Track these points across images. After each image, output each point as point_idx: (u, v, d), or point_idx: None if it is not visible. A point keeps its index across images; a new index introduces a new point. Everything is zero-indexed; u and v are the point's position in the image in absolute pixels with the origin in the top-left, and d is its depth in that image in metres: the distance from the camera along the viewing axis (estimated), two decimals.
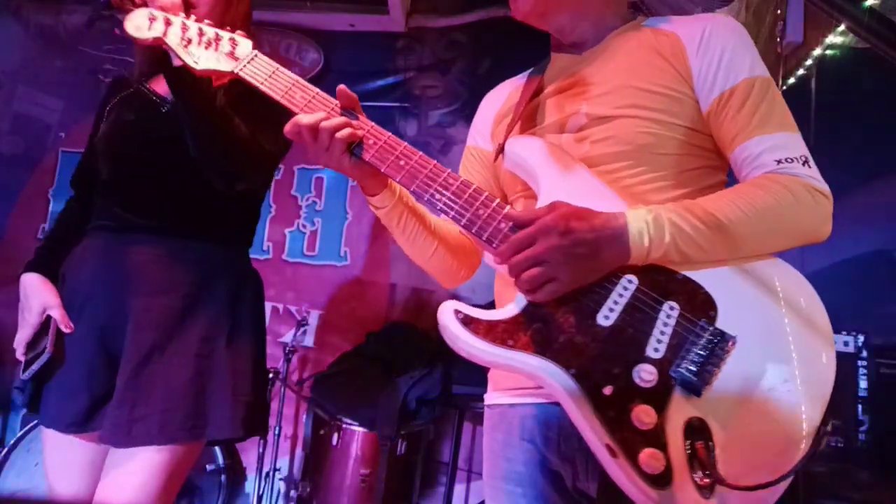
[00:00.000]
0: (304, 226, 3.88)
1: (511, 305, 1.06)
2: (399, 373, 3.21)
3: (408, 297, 3.74)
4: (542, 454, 1.16)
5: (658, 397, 0.99)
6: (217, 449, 3.11)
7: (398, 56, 3.92)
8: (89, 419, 1.52)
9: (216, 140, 1.52)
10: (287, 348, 3.30)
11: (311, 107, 1.18)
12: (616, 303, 1.04)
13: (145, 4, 1.34)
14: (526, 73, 1.40)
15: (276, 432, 3.17)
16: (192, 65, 1.24)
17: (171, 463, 1.50)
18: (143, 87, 1.69)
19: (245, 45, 1.24)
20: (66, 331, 1.55)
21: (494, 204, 1.10)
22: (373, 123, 1.20)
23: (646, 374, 0.99)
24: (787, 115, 1.14)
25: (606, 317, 1.03)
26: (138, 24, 1.26)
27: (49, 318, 1.57)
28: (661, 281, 1.05)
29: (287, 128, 1.16)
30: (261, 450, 3.13)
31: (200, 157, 1.53)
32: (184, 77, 1.43)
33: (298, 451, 3.50)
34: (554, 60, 1.32)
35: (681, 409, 0.98)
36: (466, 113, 3.78)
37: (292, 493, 3.20)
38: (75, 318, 1.57)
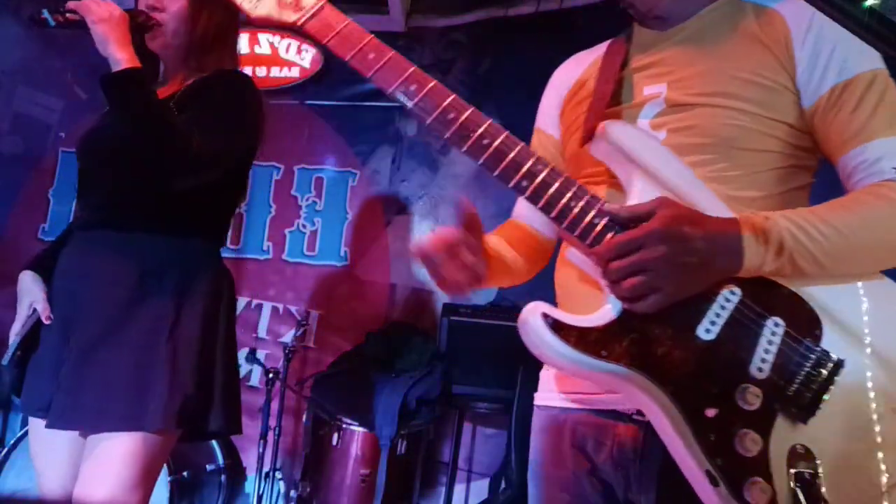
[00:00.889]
0: (304, 226, 3.88)
1: (604, 311, 0.96)
2: (399, 373, 3.21)
3: (408, 297, 3.74)
4: (592, 462, 1.09)
5: (762, 421, 0.90)
6: (217, 449, 3.11)
7: None
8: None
9: (157, 148, 1.56)
10: (287, 348, 3.30)
11: (382, 72, 1.06)
12: (718, 315, 0.94)
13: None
14: (602, 45, 1.25)
15: (277, 432, 3.17)
16: (249, 10, 1.14)
17: (141, 452, 1.53)
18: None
19: None
20: (46, 322, 1.63)
21: (588, 196, 0.99)
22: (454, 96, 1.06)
23: (751, 397, 0.90)
24: None
25: (707, 330, 0.93)
26: None
27: (35, 311, 1.65)
28: (765, 294, 0.95)
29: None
30: (261, 450, 3.13)
31: (148, 161, 1.60)
32: (116, 82, 1.55)
33: (298, 451, 3.50)
34: (637, 33, 1.19)
35: (785, 436, 0.90)
36: None
37: (292, 493, 3.20)
38: (51, 313, 1.65)
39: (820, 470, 0.89)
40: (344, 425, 2.98)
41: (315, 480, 3.03)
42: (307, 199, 3.90)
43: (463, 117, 1.02)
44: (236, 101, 1.69)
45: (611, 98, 1.13)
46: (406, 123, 3.88)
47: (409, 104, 1.05)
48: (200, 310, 1.65)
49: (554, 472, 1.14)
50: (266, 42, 3.91)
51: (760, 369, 0.92)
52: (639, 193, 0.99)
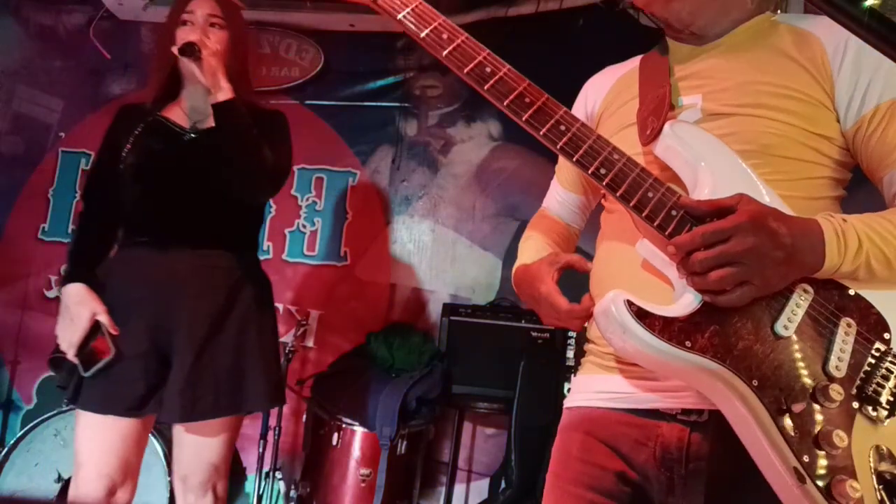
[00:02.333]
0: (304, 226, 3.88)
1: (684, 302, 0.95)
2: (399, 373, 3.21)
3: (408, 297, 3.74)
4: (628, 462, 1.07)
5: (844, 420, 0.90)
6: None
7: (398, 56, 3.92)
8: (143, 405, 1.84)
9: (249, 164, 1.84)
10: (287, 348, 3.29)
11: (455, 54, 1.06)
12: (794, 313, 0.94)
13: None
14: (634, 60, 1.29)
15: (277, 432, 3.17)
16: None
17: (226, 431, 1.92)
18: (159, 117, 1.95)
19: None
20: (114, 333, 1.84)
21: (664, 188, 1.00)
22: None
23: (834, 394, 0.90)
24: None
25: (786, 326, 0.94)
26: None
27: (97, 322, 1.84)
28: (835, 295, 0.97)
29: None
30: (261, 450, 3.13)
31: (235, 178, 1.87)
32: (230, 109, 1.79)
33: (298, 452, 3.50)
34: (672, 47, 1.22)
35: (866, 435, 0.90)
36: (466, 113, 3.78)
37: (292, 493, 3.20)
38: (121, 321, 1.86)
39: None
40: (344, 425, 2.98)
41: (315, 480, 3.03)
42: (307, 199, 3.90)
43: (539, 103, 1.05)
44: (287, 130, 2.04)
45: (658, 108, 1.13)
46: (406, 123, 3.88)
47: (484, 87, 1.06)
48: (270, 311, 2.04)
49: (581, 468, 1.12)
50: (266, 42, 3.92)
51: (838, 367, 0.92)
52: (706, 191, 0.99)
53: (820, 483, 0.87)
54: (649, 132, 1.10)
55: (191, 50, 1.78)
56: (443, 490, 3.43)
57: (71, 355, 1.84)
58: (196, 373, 1.83)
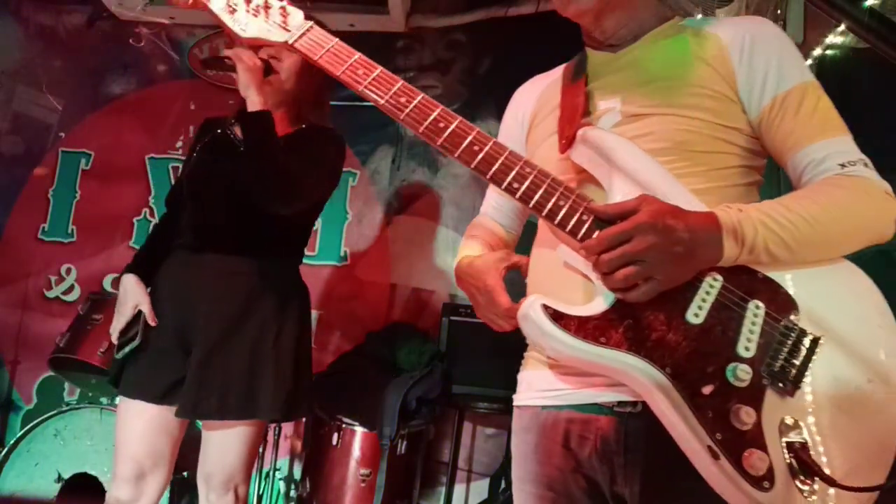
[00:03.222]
0: None
1: (598, 301, 1.02)
2: (399, 373, 3.21)
3: (408, 297, 3.74)
4: (576, 458, 1.13)
5: (753, 397, 0.97)
6: None
7: (398, 56, 3.92)
8: (166, 395, 1.94)
9: (262, 174, 1.85)
10: None
11: (374, 85, 1.14)
12: (704, 301, 1.01)
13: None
14: (558, 69, 1.37)
15: (276, 432, 3.17)
16: (240, 32, 1.21)
17: (244, 436, 1.95)
18: (229, 130, 1.98)
19: (297, 16, 1.20)
20: (152, 324, 1.97)
21: (574, 195, 1.07)
22: (441, 106, 1.16)
23: (742, 373, 0.97)
24: (839, 118, 1.14)
25: (696, 314, 1.00)
26: None
27: (140, 312, 1.98)
28: (744, 280, 1.02)
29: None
30: (261, 450, 3.13)
31: (250, 187, 1.89)
32: (252, 119, 1.81)
33: (298, 452, 3.50)
34: (591, 57, 1.29)
35: (775, 409, 0.97)
36: (466, 113, 3.73)
37: (292, 493, 3.20)
38: (159, 316, 1.99)
39: (808, 439, 0.95)
40: (344, 425, 2.98)
41: (315, 480, 3.03)
42: None
43: (453, 126, 1.12)
44: (330, 154, 2.09)
45: (577, 114, 1.20)
46: None
47: (400, 116, 1.12)
48: (295, 323, 2.04)
49: (539, 469, 1.16)
50: None
51: (747, 348, 0.99)
52: (620, 192, 1.06)
53: (732, 457, 0.93)
54: (564, 140, 1.17)
55: (217, 64, 1.88)
56: (443, 490, 3.43)
57: (113, 339, 2.00)
58: (204, 373, 1.89)
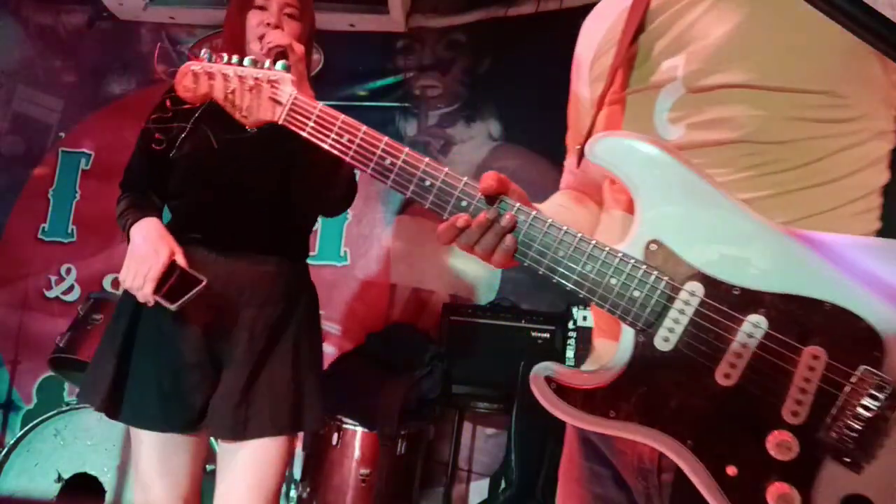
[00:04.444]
0: None
1: (609, 367, 0.88)
2: (399, 373, 3.20)
3: (408, 297, 3.74)
4: (614, 468, 1.03)
5: (802, 473, 0.78)
6: (217, 449, 3.10)
7: (398, 56, 3.92)
8: (202, 418, 1.69)
9: (344, 181, 1.79)
10: None
11: (359, 152, 1.01)
12: (739, 356, 0.81)
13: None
14: None
15: None
16: (242, 120, 1.14)
17: (281, 451, 1.73)
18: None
19: (285, 84, 1.10)
20: (202, 280, 1.60)
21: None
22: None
23: (782, 446, 0.79)
24: None
25: (727, 375, 0.82)
26: (186, 86, 1.18)
27: (173, 264, 1.61)
28: (799, 317, 0.79)
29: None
30: None
31: (329, 193, 1.80)
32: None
33: (298, 451, 3.50)
34: None
35: (834, 485, 0.77)
36: (466, 113, 3.78)
37: (292, 493, 3.20)
38: (171, 326, 1.68)
39: None
40: (344, 425, 2.97)
41: (315, 480, 3.03)
42: None
43: (438, 183, 0.96)
44: None
45: (630, 71, 0.97)
46: (406, 123, 3.88)
47: (387, 182, 0.99)
48: (318, 322, 1.90)
49: (581, 468, 1.09)
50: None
51: (795, 413, 0.79)
52: (642, 214, 0.89)
53: None
54: (577, 155, 0.98)
55: (283, 55, 1.59)
56: (443, 490, 3.43)
57: (148, 290, 1.58)
58: (253, 387, 1.69)
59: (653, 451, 0.93)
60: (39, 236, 3.96)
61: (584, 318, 3.11)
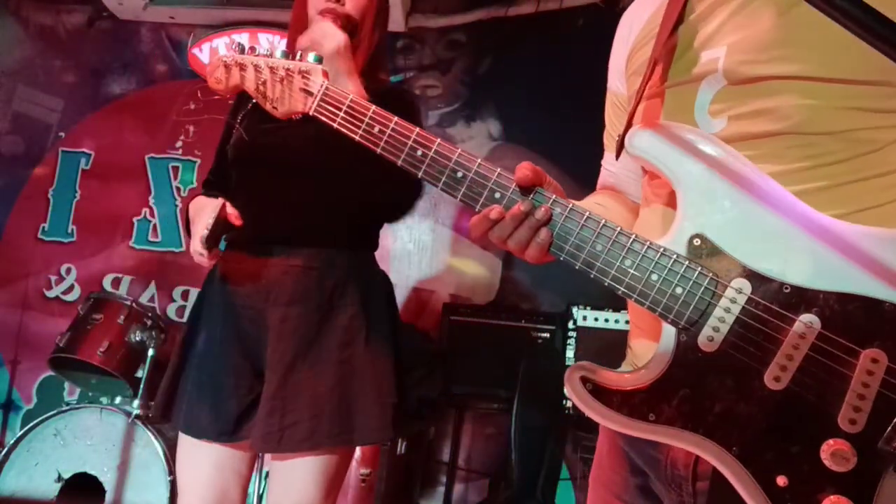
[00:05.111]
0: None
1: (648, 368, 0.84)
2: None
3: (408, 297, 3.74)
4: (645, 476, 0.99)
5: (860, 485, 0.73)
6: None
7: (398, 56, 3.92)
8: (239, 427, 1.58)
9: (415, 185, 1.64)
10: None
11: (389, 143, 0.99)
12: (790, 358, 0.76)
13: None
14: None
15: None
16: (272, 111, 1.15)
17: (328, 468, 1.57)
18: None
19: (316, 75, 1.09)
20: (237, 222, 1.53)
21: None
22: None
23: (838, 455, 0.73)
24: None
25: (777, 378, 0.77)
26: (217, 77, 1.18)
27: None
28: (857, 317, 0.75)
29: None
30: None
31: (399, 201, 1.69)
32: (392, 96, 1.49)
33: None
34: None
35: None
36: (466, 113, 3.79)
37: None
38: (213, 328, 1.63)
39: None
40: None
41: None
42: None
43: (471, 175, 0.94)
44: (419, 117, 1.77)
45: (671, 62, 0.94)
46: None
47: (418, 174, 0.97)
48: (386, 317, 1.69)
49: (608, 474, 1.06)
50: (266, 42, 3.91)
51: (853, 421, 0.74)
52: (685, 208, 0.85)
53: None
54: (617, 146, 0.98)
55: (347, 25, 1.56)
56: (443, 490, 3.43)
57: (201, 232, 1.49)
58: (285, 395, 1.53)
59: (687, 457, 0.89)
60: (39, 236, 3.96)
61: (584, 318, 3.11)
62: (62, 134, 4.09)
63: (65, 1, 4.16)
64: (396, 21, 3.76)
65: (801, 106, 0.82)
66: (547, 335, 3.20)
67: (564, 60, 3.49)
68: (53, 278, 3.91)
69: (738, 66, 0.86)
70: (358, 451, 2.95)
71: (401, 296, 3.74)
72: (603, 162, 1.20)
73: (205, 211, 1.54)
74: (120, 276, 3.89)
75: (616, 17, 1.19)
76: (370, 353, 1.61)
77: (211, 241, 1.50)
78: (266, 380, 1.56)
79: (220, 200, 1.54)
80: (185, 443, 1.64)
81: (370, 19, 1.68)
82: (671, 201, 0.88)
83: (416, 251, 3.77)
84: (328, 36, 1.49)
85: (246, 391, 1.59)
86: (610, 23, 1.25)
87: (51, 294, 3.90)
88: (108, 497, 2.78)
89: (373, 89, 1.53)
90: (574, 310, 3.12)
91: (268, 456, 1.66)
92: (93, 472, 2.81)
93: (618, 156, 0.98)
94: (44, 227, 3.97)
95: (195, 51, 3.97)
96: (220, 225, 1.51)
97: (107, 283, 3.86)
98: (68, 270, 3.92)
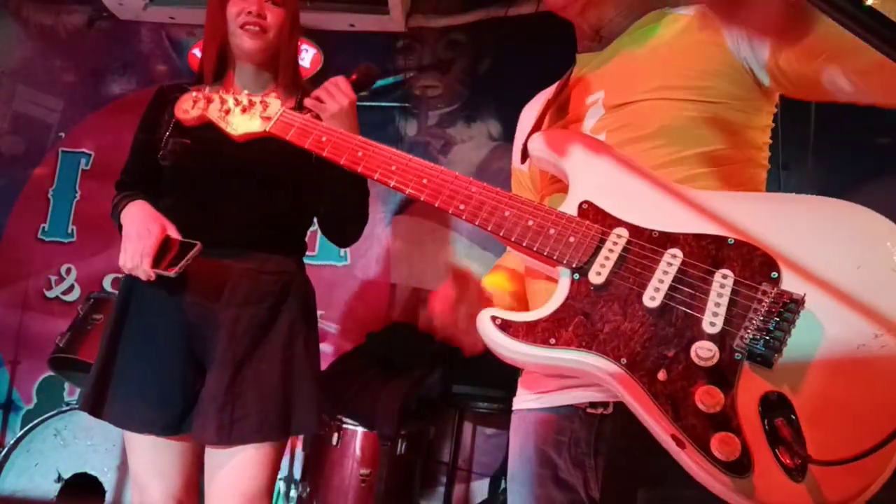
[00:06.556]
0: None
1: (549, 303, 1.00)
2: (399, 373, 3.21)
3: (408, 297, 3.74)
4: (554, 462, 1.11)
5: (723, 375, 0.88)
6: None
7: (398, 56, 3.92)
8: (182, 421, 1.65)
9: (365, 210, 1.86)
10: None
11: (334, 148, 1.22)
12: (661, 281, 0.95)
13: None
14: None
15: None
16: (232, 132, 1.33)
17: (270, 457, 1.69)
18: None
19: (274, 104, 1.32)
20: (196, 246, 1.61)
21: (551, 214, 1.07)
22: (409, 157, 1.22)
23: (703, 352, 0.89)
24: None
25: (653, 298, 0.94)
26: (184, 108, 1.40)
27: (167, 238, 1.64)
28: (710, 250, 0.95)
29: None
30: None
31: (351, 228, 1.92)
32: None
33: (298, 451, 3.50)
34: (579, 60, 1.30)
35: (752, 385, 0.87)
36: (466, 113, 3.79)
37: (292, 492, 3.20)
38: (153, 325, 1.69)
39: (798, 415, 0.84)
40: (344, 425, 2.98)
41: (315, 480, 3.03)
42: None
43: (449, 187, 1.19)
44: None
45: (559, 116, 1.24)
46: (406, 123, 3.88)
47: (359, 168, 1.20)
48: (315, 321, 1.84)
49: (521, 473, 1.17)
50: None
51: (713, 324, 0.91)
52: (575, 195, 1.07)
53: (699, 444, 0.85)
54: (521, 152, 1.21)
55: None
56: (443, 490, 3.43)
57: (145, 265, 1.58)
58: (236, 389, 1.63)
59: (588, 432, 1.05)
60: (39, 236, 3.97)
61: None
62: (62, 134, 4.09)
63: (65, 1, 4.16)
64: (396, 21, 3.77)
65: (657, 115, 1.09)
66: None
67: (564, 60, 3.49)
68: (53, 278, 3.92)
69: (613, 98, 1.15)
70: (358, 451, 2.96)
71: (401, 296, 3.75)
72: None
73: (146, 234, 1.62)
74: (120, 276, 3.88)
75: None
76: (307, 352, 1.75)
77: (157, 266, 1.61)
78: (214, 376, 1.64)
79: (159, 225, 1.63)
80: (137, 439, 1.69)
81: (286, 29, 1.82)
82: (566, 190, 1.11)
83: (416, 251, 3.77)
84: (336, 98, 1.79)
85: (191, 385, 1.66)
86: None
87: (51, 294, 3.91)
88: (108, 497, 2.78)
89: (301, 99, 1.72)
90: None
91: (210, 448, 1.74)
92: (93, 472, 2.82)
93: (523, 160, 1.26)
94: (44, 228, 3.97)
95: (195, 51, 3.97)
96: (165, 250, 1.63)
97: (107, 283, 3.87)
98: (68, 270, 3.92)
